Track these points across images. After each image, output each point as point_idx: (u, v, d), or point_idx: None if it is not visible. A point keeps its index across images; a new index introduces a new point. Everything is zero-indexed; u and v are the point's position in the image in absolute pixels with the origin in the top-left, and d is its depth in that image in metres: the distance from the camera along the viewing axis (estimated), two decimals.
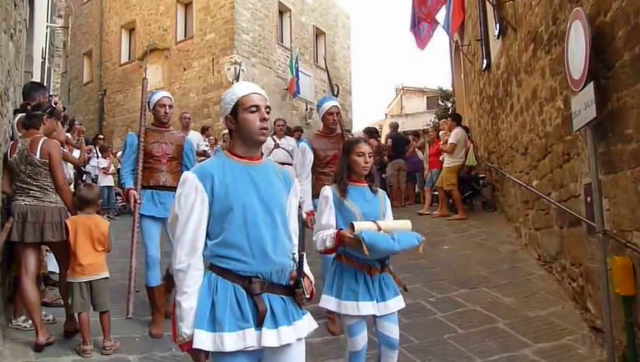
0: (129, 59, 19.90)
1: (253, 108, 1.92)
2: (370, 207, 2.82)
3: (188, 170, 3.94)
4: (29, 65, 6.68)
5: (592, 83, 3.34)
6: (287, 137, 8.15)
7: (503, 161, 7.57)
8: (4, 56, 3.96)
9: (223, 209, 1.84)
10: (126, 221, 8.34)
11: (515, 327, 4.05)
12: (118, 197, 10.13)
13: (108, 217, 8.40)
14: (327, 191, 2.83)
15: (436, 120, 15.42)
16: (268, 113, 1.96)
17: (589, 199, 3.69)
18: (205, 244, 1.87)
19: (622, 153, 3.20)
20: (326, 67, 5.17)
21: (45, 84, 8.65)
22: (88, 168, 9.06)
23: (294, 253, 1.93)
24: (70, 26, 16.02)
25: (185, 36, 18.10)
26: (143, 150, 4.07)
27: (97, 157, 9.49)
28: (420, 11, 10.51)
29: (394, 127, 11.64)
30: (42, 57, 8.67)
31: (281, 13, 19.02)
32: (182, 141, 4.32)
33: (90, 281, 3.67)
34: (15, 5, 4.49)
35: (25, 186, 3.76)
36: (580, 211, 4.03)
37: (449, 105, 17.16)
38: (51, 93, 7.94)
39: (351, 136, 4.34)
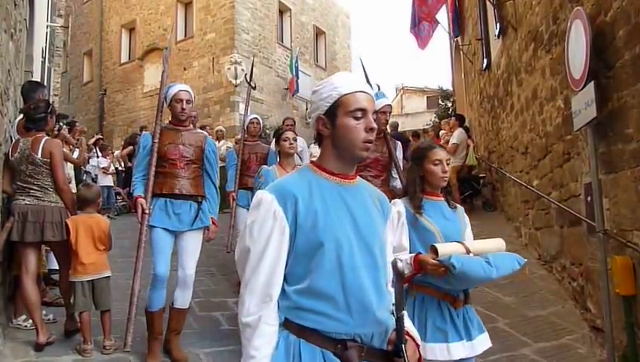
0: (129, 58, 19.89)
1: (359, 113, 1.41)
2: (450, 226, 2.31)
3: (209, 177, 3.74)
4: (29, 64, 6.68)
5: (592, 82, 3.34)
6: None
7: (503, 160, 7.56)
8: (4, 55, 3.96)
9: (310, 244, 1.37)
10: (126, 221, 8.35)
11: (515, 327, 4.06)
12: (118, 197, 10.13)
13: (108, 216, 8.39)
14: (400, 205, 2.31)
15: (437, 119, 15.42)
16: (375, 121, 1.47)
17: (589, 199, 3.68)
18: (282, 290, 1.39)
19: (622, 153, 3.20)
20: (363, 67, 4.54)
21: (45, 83, 8.65)
22: (88, 168, 9.06)
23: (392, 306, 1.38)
24: (70, 25, 16.00)
25: (185, 36, 18.10)
26: (157, 152, 3.61)
27: (97, 156, 9.49)
28: (421, 10, 10.51)
29: (394, 126, 11.63)
30: (42, 57, 8.66)
31: (281, 12, 19.01)
32: (203, 142, 3.76)
33: (92, 280, 3.67)
34: (15, 5, 4.49)
35: (25, 186, 3.76)
36: (580, 211, 4.03)
37: (449, 104, 17.15)
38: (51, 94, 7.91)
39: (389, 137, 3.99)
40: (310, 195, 1.40)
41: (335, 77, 1.49)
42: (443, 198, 2.42)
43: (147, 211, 3.54)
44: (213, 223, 3.74)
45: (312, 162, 1.53)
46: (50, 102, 4.42)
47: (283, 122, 7.71)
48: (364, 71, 4.58)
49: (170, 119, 3.78)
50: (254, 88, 7.13)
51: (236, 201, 5.41)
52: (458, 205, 2.48)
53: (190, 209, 3.61)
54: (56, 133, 4.77)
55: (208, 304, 4.69)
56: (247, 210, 5.19)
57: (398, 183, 3.80)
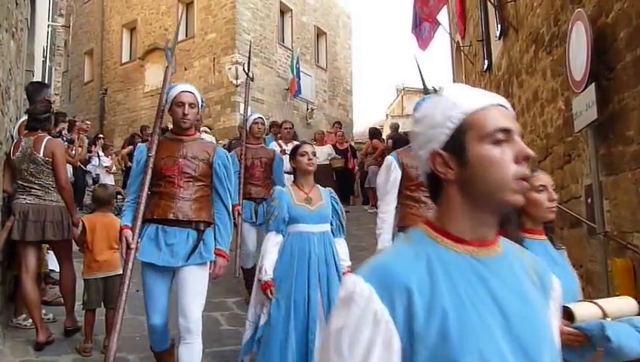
0: (130, 58, 19.89)
1: (501, 136, 0.89)
2: (564, 275, 1.62)
3: (220, 197, 2.96)
4: (31, 64, 6.68)
5: (593, 84, 3.34)
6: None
7: None
8: (5, 54, 3.96)
9: None
10: None
11: None
12: (118, 196, 10.14)
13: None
14: None
15: None
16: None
17: (589, 200, 3.68)
18: None
19: (623, 154, 3.20)
20: (418, 66, 3.85)
21: (46, 82, 8.66)
22: (89, 168, 9.06)
23: None
24: (71, 25, 16.04)
25: (186, 36, 18.11)
26: (152, 168, 2.87)
27: (99, 156, 9.50)
28: (422, 11, 10.50)
29: (394, 127, 11.64)
30: (43, 56, 8.67)
31: (282, 13, 19.01)
32: (210, 154, 2.97)
33: (104, 278, 3.71)
34: (16, 4, 4.49)
35: (26, 185, 3.76)
36: (580, 212, 4.03)
37: None
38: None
39: None
40: (432, 283, 0.86)
41: (447, 91, 0.97)
42: (545, 236, 1.88)
43: (133, 246, 2.73)
44: (221, 256, 2.93)
45: (427, 223, 0.98)
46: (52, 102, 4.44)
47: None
48: (421, 73, 3.80)
49: (171, 127, 3.09)
50: (252, 79, 6.34)
51: (242, 215, 4.68)
52: (559, 244, 1.95)
53: (187, 239, 2.82)
54: (56, 134, 4.76)
55: (208, 304, 4.65)
56: (251, 224, 4.75)
57: None
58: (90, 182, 8.79)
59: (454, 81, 14.69)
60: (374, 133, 10.94)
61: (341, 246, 3.19)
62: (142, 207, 2.77)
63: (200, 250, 2.83)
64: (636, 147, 3.02)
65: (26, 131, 3.94)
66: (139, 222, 2.78)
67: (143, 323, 4.23)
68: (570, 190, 4.38)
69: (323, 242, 3.07)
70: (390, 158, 3.40)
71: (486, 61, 8.51)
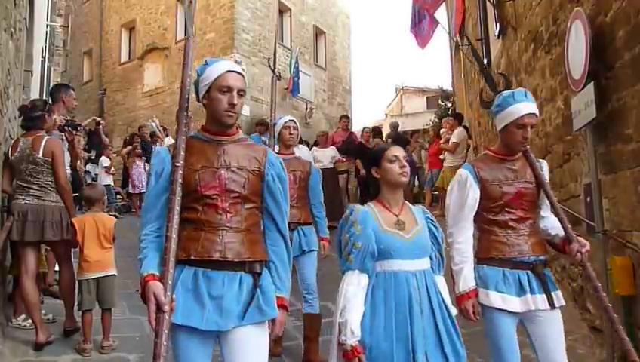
0: (129, 58, 19.88)
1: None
2: None
3: (275, 224, 2.07)
4: (29, 64, 6.67)
5: (592, 83, 3.35)
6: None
7: None
8: (4, 55, 3.95)
9: None
10: (126, 220, 8.34)
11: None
12: (117, 196, 10.13)
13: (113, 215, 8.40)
14: None
15: (437, 119, 15.42)
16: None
17: (588, 199, 3.69)
18: None
19: (622, 153, 3.21)
20: (480, 61, 3.12)
21: (45, 82, 8.65)
22: (88, 167, 9.06)
23: None
24: (70, 24, 15.99)
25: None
26: (182, 182, 1.93)
27: (96, 156, 9.54)
28: (424, 1, 10.49)
29: (394, 126, 11.65)
30: (42, 56, 8.66)
31: (281, 12, 19.00)
32: (261, 161, 2.09)
33: (97, 278, 3.70)
34: (15, 4, 4.49)
35: (25, 185, 3.76)
36: (579, 211, 4.03)
37: (449, 105, 17.16)
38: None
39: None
40: None
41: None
42: None
43: (167, 308, 1.79)
44: (283, 307, 2.08)
45: None
46: (48, 101, 4.42)
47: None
48: (479, 61, 3.43)
49: (203, 124, 2.12)
50: (279, 78, 5.73)
51: None
52: None
53: (240, 287, 1.96)
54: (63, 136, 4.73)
55: None
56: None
57: (551, 223, 2.60)
58: (89, 181, 8.78)
59: (453, 80, 14.69)
60: (376, 132, 10.89)
61: (444, 289, 2.28)
62: (173, 244, 1.80)
63: (258, 302, 1.94)
64: (635, 145, 3.03)
65: (23, 131, 3.94)
66: (171, 269, 1.81)
67: (143, 323, 4.24)
68: (569, 189, 4.38)
69: (426, 285, 2.15)
70: (465, 172, 2.56)
71: (485, 60, 8.51)
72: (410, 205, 2.35)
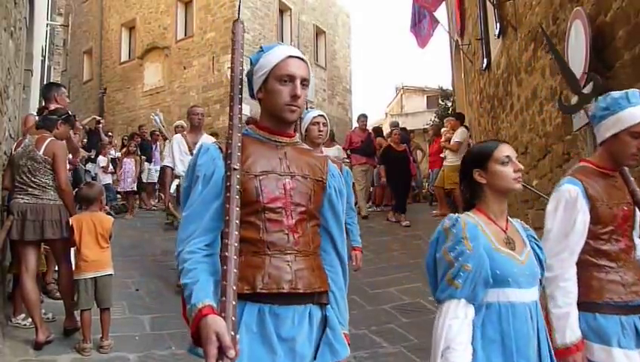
0: (129, 57, 19.90)
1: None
2: None
3: (334, 245, 1.70)
4: (29, 63, 6.67)
5: (592, 82, 3.35)
6: (333, 146, 6.25)
7: None
8: (4, 54, 3.96)
9: None
10: (125, 219, 8.35)
11: None
12: (117, 195, 10.13)
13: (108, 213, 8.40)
14: None
15: (437, 119, 15.43)
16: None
17: None
18: None
19: None
20: (560, 59, 3.36)
21: (45, 81, 8.65)
22: (88, 167, 9.06)
23: None
24: (70, 24, 16.00)
25: (185, 35, 18.09)
26: (241, 190, 1.52)
27: (95, 156, 9.54)
28: (425, 1, 10.49)
29: (394, 126, 11.64)
30: (42, 55, 8.66)
31: (281, 12, 19.01)
32: (323, 169, 1.73)
33: (94, 277, 3.69)
34: (15, 3, 4.49)
35: (24, 184, 3.77)
36: None
37: (449, 104, 17.16)
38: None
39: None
40: None
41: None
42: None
43: (234, 352, 1.27)
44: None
45: None
46: (72, 115, 4.51)
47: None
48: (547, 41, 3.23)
49: (260, 122, 1.75)
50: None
51: None
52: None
53: (310, 323, 1.60)
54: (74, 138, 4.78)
55: None
56: None
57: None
58: (89, 180, 8.78)
59: (453, 79, 14.69)
60: (377, 131, 10.84)
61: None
62: (234, 268, 1.35)
63: (329, 340, 1.61)
64: None
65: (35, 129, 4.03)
66: (233, 300, 1.33)
67: (143, 323, 4.25)
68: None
69: (537, 321, 1.73)
70: (574, 189, 2.04)
71: (485, 59, 8.51)
72: (511, 218, 1.89)
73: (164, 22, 18.49)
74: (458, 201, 8.30)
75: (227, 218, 1.41)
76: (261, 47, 1.69)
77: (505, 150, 1.78)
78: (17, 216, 3.68)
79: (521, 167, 1.79)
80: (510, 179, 1.75)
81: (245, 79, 1.72)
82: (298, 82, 1.59)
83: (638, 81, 2.97)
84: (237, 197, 1.45)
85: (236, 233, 1.40)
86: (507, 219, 1.83)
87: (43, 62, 8.83)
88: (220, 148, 1.59)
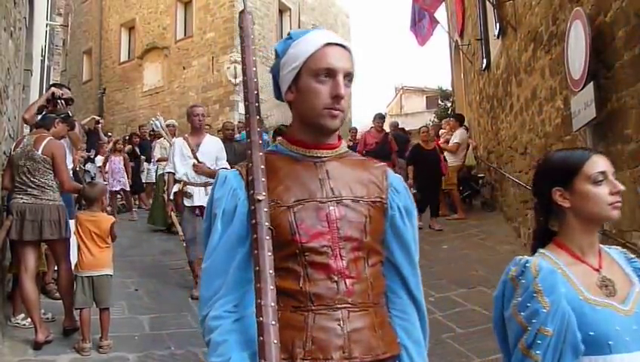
0: (128, 57, 19.89)
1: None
2: None
3: (407, 289, 1.27)
4: (29, 63, 6.67)
5: (591, 83, 3.35)
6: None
7: (503, 160, 7.57)
8: (3, 54, 3.96)
9: None
10: (125, 219, 8.34)
11: None
12: (117, 196, 10.11)
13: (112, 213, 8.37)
14: None
15: (436, 119, 15.44)
16: None
17: None
18: None
19: (621, 153, 3.21)
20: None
21: (45, 81, 8.65)
22: (88, 166, 9.05)
23: None
24: (70, 24, 15.99)
25: (185, 35, 18.10)
26: (272, 227, 1.14)
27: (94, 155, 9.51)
28: (424, 3, 10.51)
29: (394, 125, 11.64)
30: (42, 55, 8.65)
31: (281, 12, 19.02)
32: (380, 184, 1.27)
33: (92, 277, 3.69)
34: (15, 3, 4.48)
35: (23, 184, 3.77)
36: None
37: (449, 104, 17.18)
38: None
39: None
40: None
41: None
42: None
43: None
44: None
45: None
46: (70, 114, 4.54)
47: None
48: None
49: (289, 129, 1.34)
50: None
51: None
52: None
53: None
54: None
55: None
56: None
57: None
58: (88, 181, 8.77)
59: (453, 80, 14.69)
60: (399, 129, 10.73)
61: None
62: (274, 338, 1.06)
63: None
64: (634, 145, 3.03)
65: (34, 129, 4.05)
66: None
67: (143, 323, 4.25)
68: None
69: None
70: None
71: (485, 60, 8.51)
72: (605, 247, 1.42)
73: (164, 22, 18.49)
74: (456, 202, 8.32)
75: (257, 268, 1.09)
76: (289, 34, 1.30)
77: (599, 164, 1.33)
78: (16, 216, 3.68)
79: (622, 187, 1.35)
80: (605, 204, 1.31)
81: (258, 81, 1.32)
82: (340, 78, 1.19)
83: (638, 81, 2.97)
84: (267, 238, 1.10)
85: (272, 288, 1.07)
86: (599, 252, 1.35)
87: (42, 62, 8.83)
88: (240, 174, 1.21)
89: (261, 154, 1.20)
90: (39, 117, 4.34)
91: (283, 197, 1.18)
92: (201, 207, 4.64)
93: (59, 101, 4.58)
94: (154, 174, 9.89)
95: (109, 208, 6.34)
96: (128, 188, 8.90)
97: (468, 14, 10.51)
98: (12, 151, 3.89)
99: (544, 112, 5.08)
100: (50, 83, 5.55)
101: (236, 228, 1.17)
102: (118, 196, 10.11)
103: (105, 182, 9.32)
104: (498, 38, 7.31)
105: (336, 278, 1.15)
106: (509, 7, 6.55)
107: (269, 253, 1.10)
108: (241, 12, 1.32)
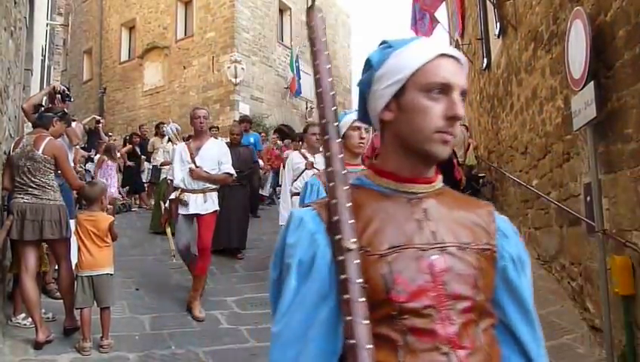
0: (129, 57, 19.90)
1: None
2: None
3: (528, 358, 1.03)
4: (29, 62, 6.67)
5: (592, 82, 3.35)
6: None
7: (503, 160, 7.57)
8: (4, 53, 3.96)
9: None
10: (125, 219, 8.34)
11: None
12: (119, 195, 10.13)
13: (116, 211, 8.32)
14: None
15: None
16: None
17: (588, 198, 3.69)
18: None
19: (622, 153, 3.20)
20: None
21: (45, 81, 8.65)
22: (88, 166, 9.05)
23: None
24: (70, 23, 16.00)
25: (185, 34, 18.10)
26: (364, 285, 0.87)
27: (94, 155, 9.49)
28: (424, 3, 10.51)
29: None
30: (42, 55, 8.66)
31: (281, 11, 19.02)
32: (489, 228, 1.03)
33: (92, 276, 3.69)
34: (15, 3, 4.49)
35: (23, 184, 3.77)
36: (579, 210, 4.03)
37: None
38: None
39: None
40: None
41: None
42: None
43: None
44: None
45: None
46: (68, 113, 4.56)
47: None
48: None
49: (377, 158, 1.09)
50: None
51: None
52: None
53: None
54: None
55: (207, 303, 4.70)
56: None
57: None
58: (88, 180, 8.77)
59: None
60: None
61: None
62: None
63: None
64: (635, 145, 3.03)
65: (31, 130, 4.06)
66: None
67: (143, 322, 4.25)
68: (569, 188, 4.39)
69: None
70: None
71: (485, 59, 8.51)
72: None
73: (164, 21, 18.49)
74: None
75: (353, 340, 0.83)
76: (385, 42, 1.08)
77: None
78: (17, 215, 3.68)
79: None
80: None
81: (336, 95, 1.03)
82: (457, 95, 0.99)
83: (638, 81, 2.97)
84: (362, 300, 0.85)
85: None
86: None
87: (43, 61, 8.83)
88: (319, 214, 0.97)
89: (346, 188, 0.93)
90: (36, 115, 4.34)
91: (373, 243, 0.94)
92: (197, 215, 4.48)
93: (57, 96, 4.61)
94: (154, 174, 9.90)
95: (109, 207, 6.33)
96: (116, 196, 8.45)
97: (468, 14, 10.51)
98: (11, 152, 3.88)
99: (544, 112, 5.08)
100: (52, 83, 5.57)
101: (316, 283, 0.92)
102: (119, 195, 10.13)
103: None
104: (498, 37, 7.30)
105: (445, 349, 0.90)
106: (509, 7, 6.54)
107: (365, 321, 0.84)
108: (309, 7, 1.13)
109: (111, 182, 8.02)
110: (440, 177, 1.09)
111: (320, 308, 0.91)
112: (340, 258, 0.88)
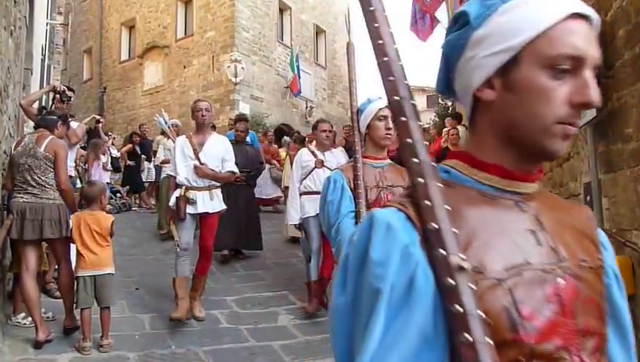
0: (129, 56, 19.89)
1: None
2: None
3: None
4: (29, 62, 6.68)
5: None
6: (334, 150, 5.08)
7: None
8: (3, 53, 3.96)
9: None
10: (125, 219, 8.34)
11: None
12: (117, 194, 10.12)
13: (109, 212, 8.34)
14: None
15: (437, 118, 15.44)
16: None
17: (588, 198, 3.69)
18: None
19: (622, 152, 3.20)
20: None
21: (45, 80, 8.65)
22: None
23: None
24: (70, 23, 16.00)
25: (185, 34, 18.10)
26: (486, 319, 0.61)
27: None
28: (424, 3, 10.51)
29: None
30: (42, 54, 8.66)
31: (281, 11, 19.00)
32: (595, 241, 0.83)
33: (94, 276, 3.69)
34: (15, 2, 4.49)
35: (23, 183, 3.77)
36: None
37: (449, 103, 17.15)
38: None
39: None
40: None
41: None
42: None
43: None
44: None
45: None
46: (68, 115, 4.61)
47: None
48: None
49: (471, 146, 0.81)
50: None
51: None
52: None
53: None
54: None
55: (207, 302, 4.70)
56: None
57: None
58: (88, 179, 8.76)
59: None
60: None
61: None
62: None
63: None
64: (635, 145, 3.03)
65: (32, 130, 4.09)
66: None
67: (143, 322, 4.25)
68: (569, 188, 4.39)
69: None
70: None
71: None
72: None
73: (164, 21, 18.49)
74: None
75: None
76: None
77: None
78: (17, 215, 3.68)
79: None
80: None
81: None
82: (589, 73, 0.73)
83: (638, 80, 2.97)
84: (489, 342, 0.60)
85: None
86: None
87: (43, 61, 8.83)
88: (408, 217, 0.69)
89: (439, 184, 0.68)
90: (38, 117, 4.36)
91: (484, 262, 0.68)
92: (204, 214, 4.30)
93: (56, 96, 4.63)
94: (154, 173, 9.90)
95: (109, 207, 6.34)
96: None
97: None
98: (12, 151, 3.89)
99: None
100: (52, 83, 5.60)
101: (417, 318, 0.63)
102: (118, 195, 10.13)
103: (106, 181, 9.35)
104: None
105: None
106: None
107: None
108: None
109: (99, 179, 7.97)
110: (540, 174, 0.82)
111: (422, 354, 0.62)
112: (450, 281, 0.61)
